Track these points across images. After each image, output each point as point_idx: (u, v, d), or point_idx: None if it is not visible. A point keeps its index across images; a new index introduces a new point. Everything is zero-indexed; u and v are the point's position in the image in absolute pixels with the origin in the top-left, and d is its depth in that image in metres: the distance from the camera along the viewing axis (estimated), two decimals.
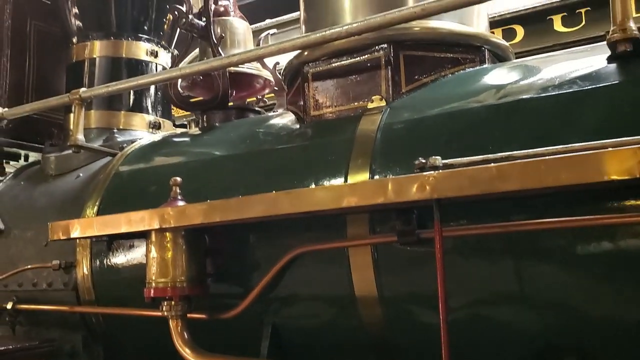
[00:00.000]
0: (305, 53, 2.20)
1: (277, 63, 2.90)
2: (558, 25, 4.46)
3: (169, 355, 2.01)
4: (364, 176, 1.78)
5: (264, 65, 2.86)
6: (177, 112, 4.59)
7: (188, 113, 6.21)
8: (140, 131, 3.05)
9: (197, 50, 2.90)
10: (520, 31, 4.64)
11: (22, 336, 2.64)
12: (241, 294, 1.98)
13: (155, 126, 3.11)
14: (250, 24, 2.97)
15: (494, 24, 4.54)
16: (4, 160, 3.33)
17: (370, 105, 1.97)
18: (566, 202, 1.43)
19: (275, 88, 2.91)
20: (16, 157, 3.35)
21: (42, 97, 3.00)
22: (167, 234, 1.92)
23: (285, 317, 1.98)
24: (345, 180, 1.81)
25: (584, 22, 4.35)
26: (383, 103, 1.95)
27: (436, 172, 1.35)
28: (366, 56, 2.01)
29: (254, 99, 3.06)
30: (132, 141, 2.82)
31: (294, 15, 7.24)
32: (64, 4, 3.11)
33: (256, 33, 3.03)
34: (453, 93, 1.88)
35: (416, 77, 1.99)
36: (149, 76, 2.56)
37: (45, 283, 2.59)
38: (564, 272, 1.50)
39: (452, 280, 1.51)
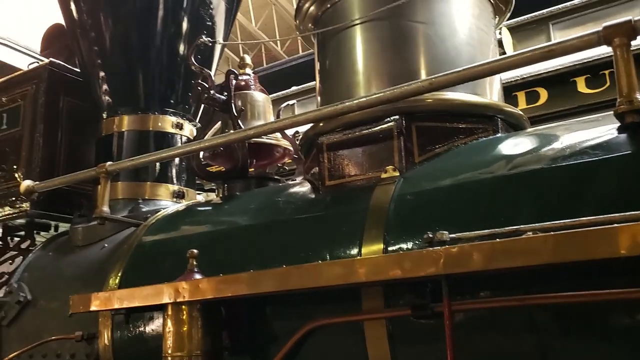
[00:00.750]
0: (321, 124, 2.25)
1: (297, 132, 2.96)
2: (582, 87, 4.46)
3: None
4: (378, 247, 1.78)
5: (284, 135, 2.92)
6: None
7: None
8: (165, 201, 3.12)
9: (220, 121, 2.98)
10: (544, 94, 4.65)
11: None
12: None
13: (179, 195, 3.18)
14: (272, 91, 3.07)
15: (517, 86, 4.58)
16: (35, 231, 3.41)
17: (384, 176, 1.98)
18: (586, 273, 1.39)
19: (295, 156, 2.96)
20: (46, 228, 3.43)
21: (73, 169, 3.11)
22: (183, 307, 1.93)
23: None
24: (360, 252, 1.81)
25: (608, 84, 4.34)
26: (396, 173, 1.96)
27: (443, 247, 1.34)
28: (379, 127, 2.04)
29: (274, 166, 3.11)
30: (157, 211, 2.88)
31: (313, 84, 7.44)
32: (95, 81, 3.25)
33: (278, 101, 3.10)
34: (465, 163, 1.88)
35: (429, 147, 2.01)
36: (172, 149, 2.64)
37: (69, 354, 2.61)
38: (592, 346, 1.44)
39: (466, 355, 1.47)
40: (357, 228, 1.88)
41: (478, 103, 2.10)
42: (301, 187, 2.36)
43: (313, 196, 2.20)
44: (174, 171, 3.22)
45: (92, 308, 2.05)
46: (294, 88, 6.10)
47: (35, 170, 3.24)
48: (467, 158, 1.93)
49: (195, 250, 2.02)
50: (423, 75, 2.13)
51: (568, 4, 4.96)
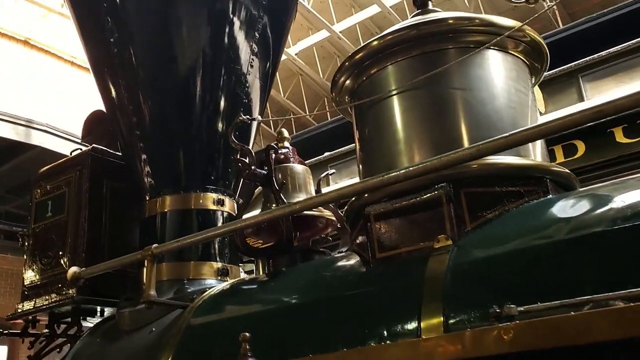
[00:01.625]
0: (366, 195, 2.23)
1: (339, 202, 2.95)
2: (620, 137, 4.39)
3: None
4: (438, 321, 1.72)
5: (326, 205, 2.91)
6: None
7: None
8: (210, 279, 3.10)
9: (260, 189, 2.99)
10: (581, 146, 4.59)
11: None
12: None
13: (224, 273, 3.16)
14: (305, 158, 3.08)
15: (553, 140, 4.52)
16: (81, 317, 3.41)
17: (436, 245, 1.94)
18: None
19: (338, 226, 2.94)
20: (92, 313, 3.44)
21: (117, 252, 3.14)
22: None
23: None
24: (419, 327, 1.75)
25: None
26: (449, 242, 1.92)
27: (513, 322, 1.29)
28: (427, 196, 2.02)
29: (318, 237, 3.09)
30: (202, 291, 2.86)
31: (351, 146, 7.49)
32: (137, 164, 3.32)
33: (316, 166, 3.11)
34: (520, 229, 1.84)
35: (479, 213, 1.97)
36: (218, 228, 2.65)
37: None
38: None
39: None
40: (413, 302, 1.83)
41: (525, 165, 2.07)
42: (349, 260, 2.33)
43: (364, 270, 2.16)
44: (216, 248, 3.22)
45: None
46: (326, 154, 6.13)
47: (80, 255, 3.27)
48: (521, 223, 1.88)
49: (247, 334, 1.98)
50: (466, 141, 2.12)
51: (596, 55, 4.95)
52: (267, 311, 2.38)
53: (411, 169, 1.90)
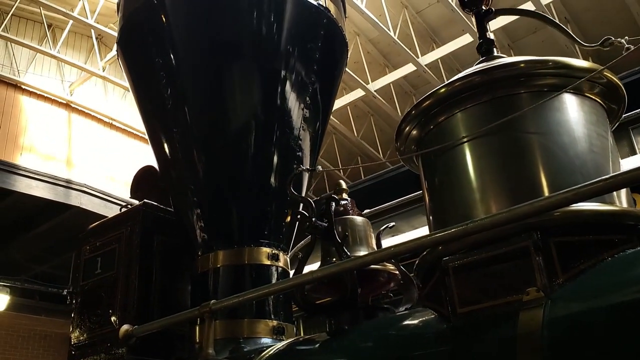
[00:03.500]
0: (440, 247, 2.12)
1: (399, 257, 2.83)
2: None
3: None
4: None
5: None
6: None
7: None
8: (265, 338, 2.97)
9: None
10: None
11: None
12: None
13: (279, 332, 3.03)
14: (365, 207, 2.99)
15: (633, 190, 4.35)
16: None
17: (526, 299, 1.80)
18: None
19: (401, 282, 2.81)
20: None
21: (167, 310, 3.05)
22: None
23: None
24: None
25: None
26: (541, 294, 1.78)
27: None
28: (514, 246, 1.89)
29: (379, 294, 2.95)
30: (260, 350, 2.74)
31: (411, 196, 7.39)
32: (190, 219, 3.27)
33: (372, 217, 3.00)
34: (621, 280, 1.70)
35: (572, 264, 1.83)
36: (280, 283, 2.54)
37: None
38: None
39: None
40: None
41: (616, 212, 1.94)
42: (422, 317, 2.19)
43: (443, 326, 2.02)
44: (271, 305, 3.11)
45: None
46: (383, 205, 6.04)
47: (130, 313, 3.18)
48: (621, 274, 1.74)
49: None
50: (546, 188, 2.00)
51: None
52: None
53: (498, 216, 1.79)
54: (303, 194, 3.34)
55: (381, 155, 13.08)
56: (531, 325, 1.71)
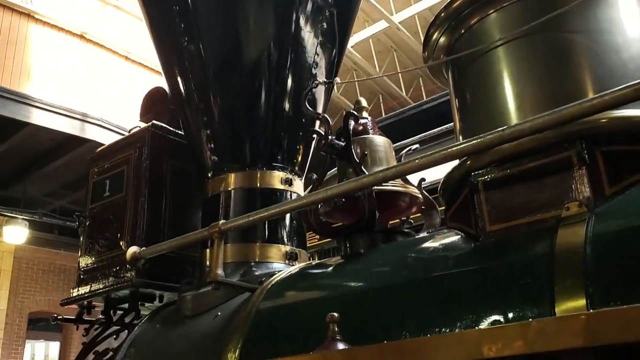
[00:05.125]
0: (468, 162, 1.92)
1: (423, 179, 2.64)
2: None
3: None
4: (579, 304, 1.39)
5: (408, 183, 2.61)
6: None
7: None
8: (277, 263, 2.84)
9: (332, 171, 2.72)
10: None
11: None
12: None
13: (292, 257, 2.89)
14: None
15: None
16: (139, 303, 3.20)
17: (565, 214, 1.61)
18: None
19: (423, 207, 2.63)
20: (151, 299, 3.21)
21: (177, 234, 2.91)
22: None
23: None
24: (552, 311, 1.43)
25: None
26: (583, 210, 1.59)
27: None
28: (552, 157, 1.69)
29: (397, 221, 2.78)
30: (271, 274, 2.60)
31: (434, 131, 7.15)
32: (200, 141, 3.09)
33: (398, 151, 2.79)
34: None
35: (620, 177, 1.63)
36: (291, 202, 2.37)
37: None
38: None
39: None
40: (541, 279, 1.51)
41: None
42: (448, 238, 2.01)
43: (470, 245, 1.84)
44: (284, 231, 2.96)
45: None
46: (406, 141, 5.80)
47: (140, 237, 3.06)
48: None
49: (335, 314, 1.69)
50: (590, 93, 1.78)
51: None
52: (349, 294, 2.08)
53: (538, 120, 1.58)
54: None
55: (404, 93, 12.66)
56: (571, 242, 1.53)
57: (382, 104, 12.45)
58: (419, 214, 2.69)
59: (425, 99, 10.12)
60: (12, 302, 12.45)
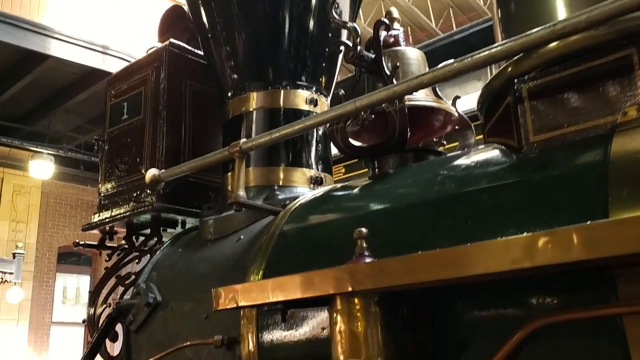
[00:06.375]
0: (509, 69, 1.74)
1: (458, 97, 2.47)
2: None
3: None
4: (637, 214, 1.25)
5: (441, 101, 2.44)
6: None
7: None
8: (301, 187, 2.72)
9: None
10: None
11: None
12: None
13: (317, 182, 2.77)
14: None
15: None
16: (161, 228, 3.13)
17: (622, 119, 1.45)
18: None
19: (457, 127, 2.47)
20: (173, 224, 3.15)
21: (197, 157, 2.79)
22: (356, 299, 1.49)
23: None
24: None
25: None
26: None
27: None
28: (608, 57, 1.51)
29: (428, 142, 2.62)
30: (295, 198, 2.49)
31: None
32: (220, 59, 2.94)
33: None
34: None
35: None
36: (320, 115, 2.22)
37: None
38: None
39: None
40: (593, 191, 1.36)
41: None
42: (485, 153, 1.86)
43: (512, 157, 1.69)
44: (309, 155, 2.83)
45: (242, 302, 1.64)
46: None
47: (159, 161, 2.96)
48: None
49: (364, 230, 1.57)
50: None
51: None
52: (378, 212, 1.96)
53: (597, 11, 1.39)
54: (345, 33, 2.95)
55: (434, 25, 12.17)
56: (629, 149, 1.37)
57: (410, 37, 11.99)
58: (452, 135, 2.53)
59: (455, 30, 9.71)
60: (42, 236, 12.71)
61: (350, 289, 1.39)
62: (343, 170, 6.24)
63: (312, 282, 1.48)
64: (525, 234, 1.11)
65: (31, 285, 12.09)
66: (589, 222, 1.04)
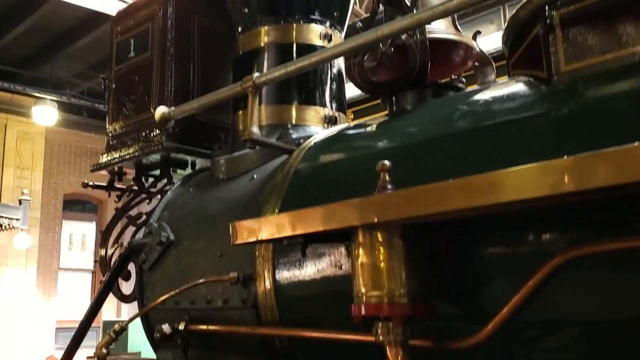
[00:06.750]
0: None
1: (478, 32, 2.38)
2: None
3: None
4: None
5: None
6: None
7: None
8: (315, 126, 2.66)
9: None
10: None
11: None
12: (480, 316, 1.46)
13: (331, 121, 2.70)
14: None
15: None
16: (171, 169, 3.09)
17: None
18: None
19: (476, 64, 2.39)
20: (183, 165, 3.11)
21: None
22: (379, 232, 1.45)
23: (546, 350, 1.42)
24: None
25: None
26: None
27: None
28: None
29: (447, 79, 2.54)
30: (308, 137, 2.43)
31: None
32: None
33: None
34: None
35: None
36: (337, 47, 2.14)
37: (221, 300, 2.23)
38: None
39: None
40: (630, 120, 1.31)
41: None
42: (511, 85, 1.79)
43: (542, 88, 1.62)
44: (323, 93, 2.75)
45: (263, 236, 1.61)
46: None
47: (168, 99, 2.90)
48: None
49: (386, 162, 1.52)
50: None
51: None
52: (399, 147, 1.90)
53: None
54: None
55: None
56: None
57: None
58: (471, 71, 2.45)
59: None
60: (47, 183, 12.72)
61: (375, 219, 1.35)
62: (352, 117, 6.17)
63: (335, 213, 1.44)
64: (566, 157, 1.05)
65: (38, 231, 12.18)
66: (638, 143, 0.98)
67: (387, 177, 1.50)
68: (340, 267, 1.82)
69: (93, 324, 2.85)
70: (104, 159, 3.19)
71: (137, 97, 3.05)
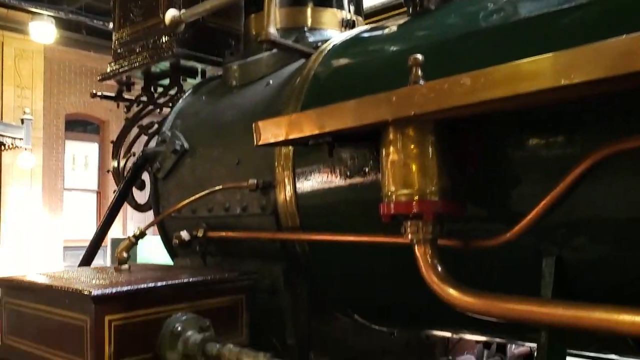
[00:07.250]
0: None
1: None
2: None
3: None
4: None
5: None
6: None
7: None
8: (332, 30, 2.55)
9: None
10: None
11: (214, 267, 2.32)
12: (510, 215, 1.43)
13: (349, 24, 2.59)
14: None
15: None
16: (181, 77, 3.00)
17: None
18: None
19: None
20: (193, 73, 3.02)
21: None
22: (411, 129, 1.40)
23: (575, 249, 1.40)
24: None
25: None
26: None
27: None
28: None
29: None
30: (326, 40, 2.34)
31: None
32: None
33: None
34: None
35: None
36: None
37: (240, 207, 2.22)
38: None
39: None
40: None
41: None
42: None
43: None
44: None
45: (290, 135, 1.55)
46: None
47: (177, 3, 2.77)
48: None
49: (419, 56, 1.45)
50: None
51: None
52: (427, 45, 1.81)
53: None
54: None
55: None
56: None
57: None
58: None
59: None
60: (48, 102, 12.56)
61: (412, 112, 1.29)
62: None
63: (367, 107, 1.39)
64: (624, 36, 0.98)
65: (41, 152, 12.14)
66: None
67: (420, 73, 1.44)
68: (365, 174, 1.78)
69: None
70: (112, 67, 3.10)
71: (144, 2, 2.92)
